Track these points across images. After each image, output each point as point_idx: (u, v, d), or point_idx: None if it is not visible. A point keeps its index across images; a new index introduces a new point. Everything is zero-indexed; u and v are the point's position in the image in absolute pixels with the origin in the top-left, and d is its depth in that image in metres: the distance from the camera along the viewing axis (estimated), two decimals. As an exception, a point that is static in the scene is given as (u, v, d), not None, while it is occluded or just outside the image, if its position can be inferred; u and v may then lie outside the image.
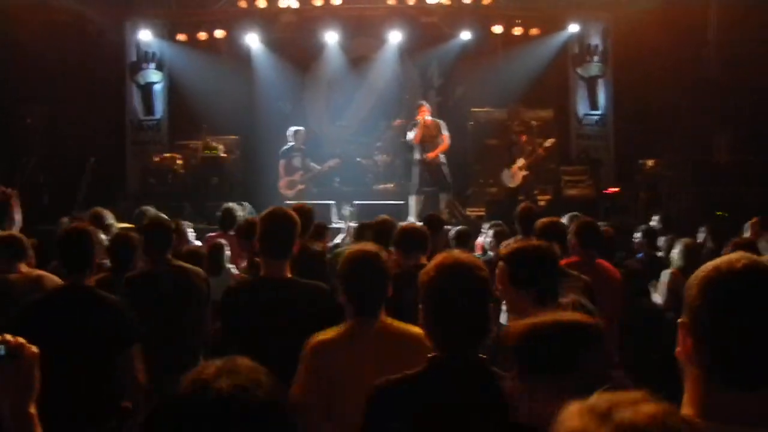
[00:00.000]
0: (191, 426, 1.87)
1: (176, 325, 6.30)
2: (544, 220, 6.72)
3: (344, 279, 4.32)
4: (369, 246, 4.58)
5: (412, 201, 15.61)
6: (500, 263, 4.34)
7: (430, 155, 15.52)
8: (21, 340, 2.49)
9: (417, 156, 15.62)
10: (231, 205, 11.29)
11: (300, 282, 5.22)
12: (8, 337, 2.47)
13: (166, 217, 10.82)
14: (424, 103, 16.34)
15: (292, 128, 16.76)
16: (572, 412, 1.65)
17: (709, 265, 2.25)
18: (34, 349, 2.50)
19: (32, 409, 2.47)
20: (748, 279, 2.17)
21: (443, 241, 8.92)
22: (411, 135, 15.73)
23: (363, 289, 4.25)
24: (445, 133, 15.72)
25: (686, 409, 2.20)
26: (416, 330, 4.05)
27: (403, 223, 8.13)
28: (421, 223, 8.12)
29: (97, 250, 5.67)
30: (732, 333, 2.15)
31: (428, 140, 15.48)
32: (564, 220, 9.38)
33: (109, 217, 8.92)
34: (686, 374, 2.26)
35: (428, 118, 15.56)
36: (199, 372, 1.93)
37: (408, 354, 3.91)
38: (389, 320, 4.34)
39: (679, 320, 2.27)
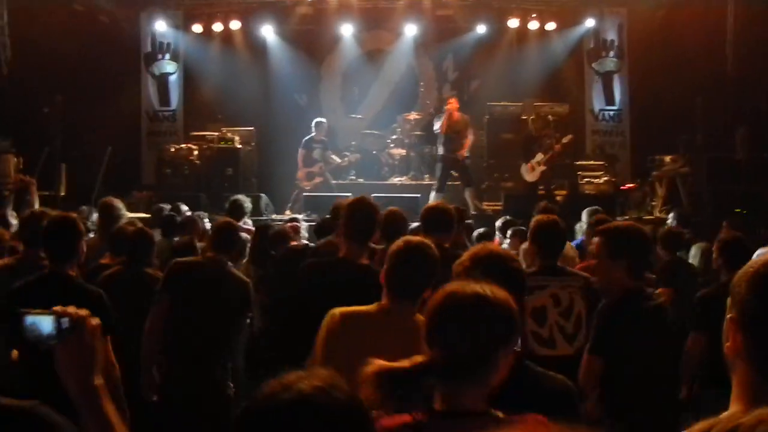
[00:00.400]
0: (274, 427, 1.89)
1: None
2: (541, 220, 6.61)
3: (394, 261, 4.29)
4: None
5: (433, 197, 15.59)
6: (596, 238, 5.21)
7: (461, 153, 15.50)
8: (83, 312, 2.49)
9: (441, 151, 15.59)
10: (239, 196, 11.34)
11: (374, 270, 5.22)
12: (70, 309, 2.47)
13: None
14: (453, 95, 16.36)
15: (316, 119, 16.76)
16: None
17: (759, 260, 2.26)
18: (96, 321, 2.50)
19: (98, 381, 2.47)
20: None
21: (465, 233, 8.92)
22: (438, 125, 15.70)
23: (409, 272, 4.17)
24: (470, 130, 15.73)
25: (736, 405, 2.21)
26: None
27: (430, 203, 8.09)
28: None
29: (82, 239, 5.71)
30: None
31: (454, 135, 15.44)
32: (583, 215, 9.41)
33: (120, 207, 8.91)
34: (735, 370, 2.27)
35: (457, 114, 15.52)
36: (281, 377, 1.94)
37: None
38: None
39: (728, 316, 2.28)
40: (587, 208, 9.63)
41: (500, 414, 2.81)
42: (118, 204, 8.94)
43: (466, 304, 2.83)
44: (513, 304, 2.93)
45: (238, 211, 10.63)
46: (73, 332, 2.44)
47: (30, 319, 2.43)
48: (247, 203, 11.18)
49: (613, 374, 4.79)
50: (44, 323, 2.44)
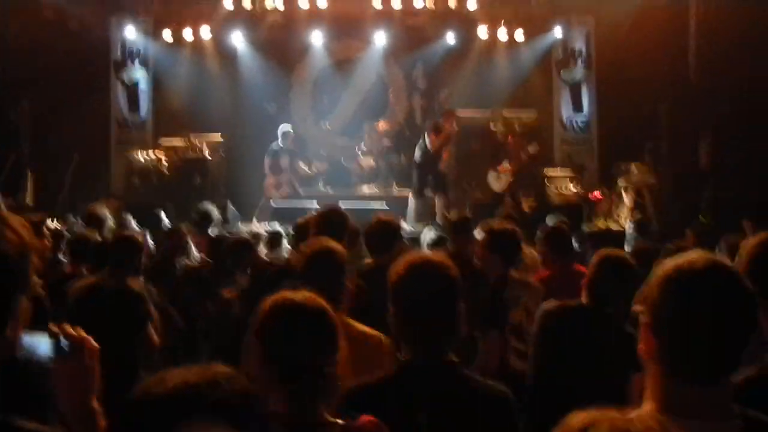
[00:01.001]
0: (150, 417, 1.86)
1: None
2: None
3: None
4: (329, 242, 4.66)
5: (412, 204, 15.60)
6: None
7: (443, 165, 15.53)
8: (83, 333, 2.50)
9: (417, 158, 15.59)
10: (206, 205, 11.29)
11: None
12: (70, 329, 2.47)
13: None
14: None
15: (282, 127, 16.73)
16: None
17: (669, 263, 2.30)
18: (95, 343, 2.51)
19: (95, 404, 2.47)
20: (708, 277, 2.23)
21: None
22: (430, 140, 15.62)
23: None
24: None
25: (648, 405, 2.25)
26: (375, 332, 4.11)
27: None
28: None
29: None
30: (691, 330, 2.21)
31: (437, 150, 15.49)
32: (548, 222, 9.46)
33: (107, 215, 8.93)
34: (648, 371, 2.32)
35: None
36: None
37: (368, 356, 3.96)
38: (349, 320, 4.35)
39: (641, 319, 2.33)
40: (549, 216, 9.68)
41: (340, 422, 2.86)
42: (104, 211, 8.96)
43: (287, 315, 2.91)
44: (331, 315, 3.04)
45: (204, 219, 10.60)
46: (73, 354, 2.44)
47: (28, 338, 2.42)
48: (215, 212, 11.14)
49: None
50: (42, 344, 2.43)
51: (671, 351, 2.23)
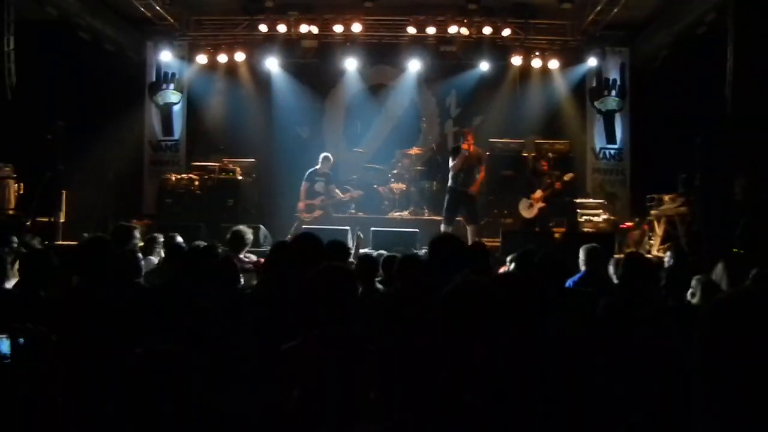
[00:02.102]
0: None
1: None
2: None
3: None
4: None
5: (442, 230, 15.54)
6: None
7: (474, 189, 15.45)
8: (41, 330, 2.49)
9: (450, 183, 15.55)
10: (240, 227, 11.27)
11: None
12: (29, 327, 2.47)
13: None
14: (469, 130, 16.31)
15: (323, 154, 16.78)
16: None
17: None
18: (53, 339, 2.50)
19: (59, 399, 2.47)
20: None
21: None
22: (452, 162, 15.61)
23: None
24: (483, 165, 15.69)
25: None
26: None
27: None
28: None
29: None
30: None
31: (466, 169, 15.38)
32: (581, 253, 9.38)
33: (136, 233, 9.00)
34: None
35: (472, 146, 15.45)
36: None
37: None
38: None
39: None
40: (584, 245, 9.59)
41: None
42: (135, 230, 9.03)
43: None
44: None
45: (238, 242, 10.59)
46: (32, 351, 2.43)
47: None
48: (248, 234, 11.13)
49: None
50: (2, 343, 2.42)
51: None
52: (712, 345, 2.11)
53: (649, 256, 14.67)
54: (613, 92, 19.40)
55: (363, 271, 7.61)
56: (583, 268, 9.12)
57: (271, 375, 4.21)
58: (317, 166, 16.60)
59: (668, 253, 11.14)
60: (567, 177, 15.66)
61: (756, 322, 2.06)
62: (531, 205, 15.83)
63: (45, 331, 2.54)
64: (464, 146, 15.40)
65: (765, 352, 2.02)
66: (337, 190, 16.88)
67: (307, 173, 16.62)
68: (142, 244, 10.48)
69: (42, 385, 2.48)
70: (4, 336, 2.48)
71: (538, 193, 15.71)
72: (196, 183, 17.35)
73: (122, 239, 8.80)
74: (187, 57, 19.58)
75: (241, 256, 10.38)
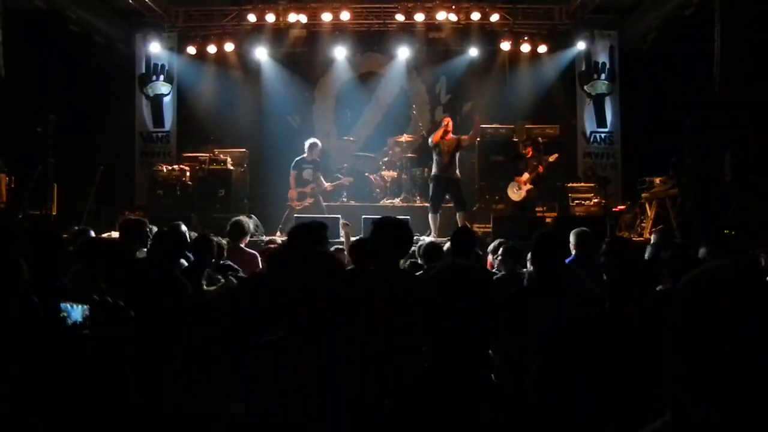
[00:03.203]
0: None
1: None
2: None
3: None
4: None
5: (431, 219, 15.55)
6: None
7: (468, 139, 15.44)
8: (118, 303, 2.56)
9: (434, 171, 15.56)
10: (241, 218, 11.28)
11: None
12: (107, 300, 2.53)
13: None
14: (448, 117, 16.36)
15: (309, 140, 16.73)
16: None
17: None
18: (130, 312, 2.57)
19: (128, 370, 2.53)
20: None
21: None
22: (431, 137, 15.63)
23: None
24: (465, 136, 15.62)
25: None
26: None
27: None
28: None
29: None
30: None
31: (447, 153, 15.35)
32: (571, 237, 9.41)
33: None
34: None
35: (451, 135, 15.43)
36: None
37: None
38: None
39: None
40: (574, 230, 9.61)
41: None
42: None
43: None
44: None
45: (239, 231, 10.60)
46: (105, 323, 2.49)
47: (64, 305, 2.48)
48: (249, 224, 11.17)
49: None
50: (76, 312, 2.49)
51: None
52: (689, 312, 2.17)
53: (640, 238, 14.76)
54: (603, 76, 19.42)
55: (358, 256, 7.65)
56: (573, 251, 9.16)
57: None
58: (304, 154, 16.58)
59: (654, 235, 11.20)
60: (552, 158, 15.71)
61: (730, 293, 2.13)
62: (519, 188, 15.88)
63: (123, 306, 2.62)
64: (444, 122, 15.43)
65: (736, 321, 2.09)
66: (322, 179, 16.81)
67: (294, 161, 16.60)
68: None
69: (114, 355, 2.56)
70: (81, 305, 2.56)
71: (525, 176, 15.76)
72: (187, 174, 17.34)
73: (133, 234, 8.79)
74: (177, 48, 19.56)
75: (242, 245, 10.40)
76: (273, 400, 3.36)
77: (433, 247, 9.05)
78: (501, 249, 9.25)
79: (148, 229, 9.14)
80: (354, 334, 3.78)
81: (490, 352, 5.46)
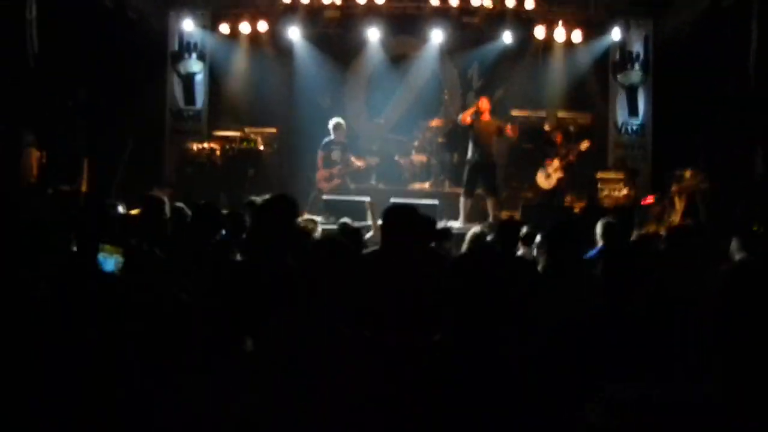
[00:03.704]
0: None
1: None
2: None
3: None
4: None
5: (462, 203, 15.55)
6: None
7: (510, 132, 15.46)
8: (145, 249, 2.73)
9: (469, 156, 15.55)
10: (255, 198, 11.30)
11: None
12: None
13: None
14: (486, 96, 16.34)
15: (333, 120, 16.75)
16: None
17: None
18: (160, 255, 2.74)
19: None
20: None
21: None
22: (461, 116, 15.61)
23: None
24: (509, 125, 15.65)
25: None
26: None
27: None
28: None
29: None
30: None
31: (484, 137, 15.33)
32: (597, 227, 9.36)
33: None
34: None
35: (488, 116, 15.42)
36: None
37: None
38: None
39: None
40: (600, 221, 9.56)
41: None
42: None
43: None
44: None
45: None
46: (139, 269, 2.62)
47: (100, 255, 2.62)
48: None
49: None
50: (109, 262, 2.62)
51: None
52: (728, 302, 2.25)
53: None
54: (636, 66, 19.24)
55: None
56: (600, 242, 9.11)
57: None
58: (331, 136, 16.60)
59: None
60: (582, 146, 15.65)
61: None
62: (549, 176, 15.84)
63: (155, 252, 2.77)
64: (478, 103, 15.42)
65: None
66: (353, 158, 16.83)
67: (323, 142, 16.63)
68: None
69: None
70: (114, 255, 2.71)
71: (555, 164, 15.71)
72: (217, 153, 17.41)
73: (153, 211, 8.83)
74: (210, 26, 19.56)
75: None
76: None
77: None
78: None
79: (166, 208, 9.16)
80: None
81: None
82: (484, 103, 15.49)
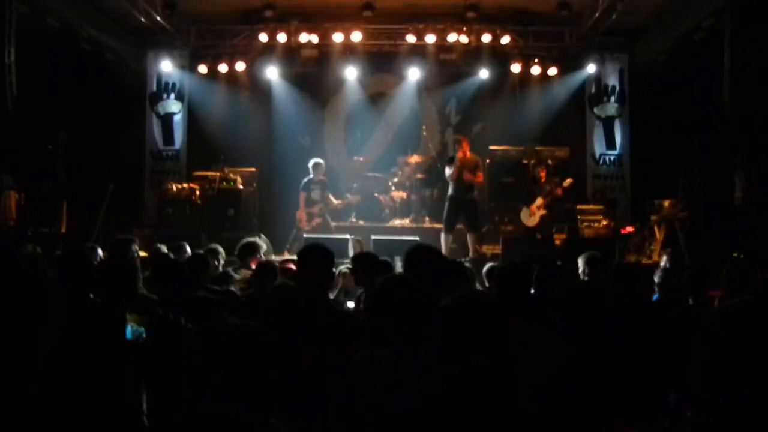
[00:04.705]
0: None
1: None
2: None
3: None
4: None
5: (443, 239, 15.56)
6: None
7: (475, 179, 15.55)
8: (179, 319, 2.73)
9: (450, 192, 15.60)
10: (253, 239, 11.33)
11: None
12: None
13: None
14: (464, 138, 16.40)
15: (312, 160, 16.82)
16: None
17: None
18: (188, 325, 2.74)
19: None
20: None
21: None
22: (449, 171, 15.69)
23: None
24: (480, 172, 15.79)
25: None
26: None
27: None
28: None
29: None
30: None
31: (466, 175, 15.40)
32: (580, 260, 9.36)
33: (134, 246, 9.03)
34: None
35: (468, 154, 15.49)
36: None
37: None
38: None
39: None
40: (583, 254, 9.56)
41: None
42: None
43: None
44: None
45: (247, 252, 10.63)
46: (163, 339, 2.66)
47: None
48: (260, 244, 11.22)
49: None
50: (127, 329, 2.66)
51: None
52: (715, 347, 2.21)
53: (649, 261, 14.73)
54: (613, 98, 19.45)
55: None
56: (582, 276, 9.09)
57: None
58: (311, 175, 16.64)
59: (664, 257, 11.18)
60: (566, 183, 15.73)
61: (758, 329, 2.18)
62: (533, 213, 15.89)
63: (180, 322, 2.77)
64: (459, 154, 15.49)
65: (764, 356, 2.14)
66: (331, 197, 16.86)
67: (303, 182, 16.67)
68: (144, 254, 10.52)
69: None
70: (131, 324, 2.73)
71: (539, 201, 15.77)
72: (197, 193, 17.39)
73: (120, 252, 8.83)
74: (188, 67, 19.63)
75: (252, 266, 10.39)
76: None
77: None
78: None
79: (135, 248, 9.14)
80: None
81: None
82: (465, 148, 15.54)
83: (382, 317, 3.93)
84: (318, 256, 5.86)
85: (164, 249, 11.02)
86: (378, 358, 3.76)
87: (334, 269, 6.63)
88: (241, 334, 3.06)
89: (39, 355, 2.57)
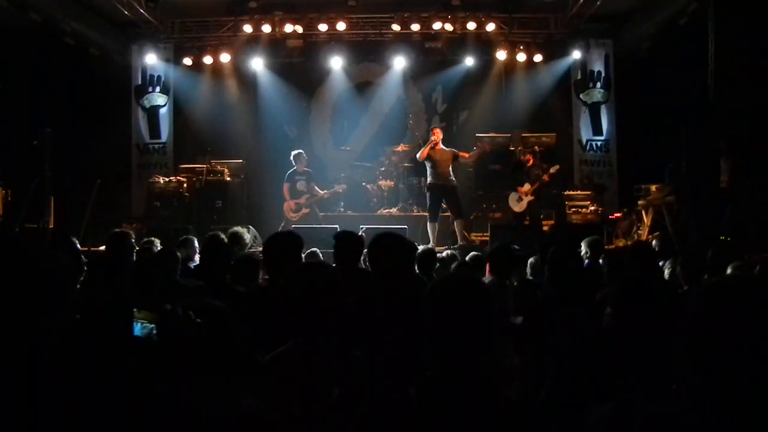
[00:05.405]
0: None
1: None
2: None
3: None
4: None
5: (429, 228, 15.52)
6: None
7: (467, 156, 15.59)
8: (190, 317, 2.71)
9: (429, 180, 15.56)
10: (237, 228, 11.31)
11: None
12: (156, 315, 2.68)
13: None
14: (437, 127, 16.44)
15: (294, 152, 16.78)
16: None
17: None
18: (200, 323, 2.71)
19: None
20: None
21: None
22: (419, 153, 15.69)
23: None
24: (463, 152, 15.74)
25: None
26: None
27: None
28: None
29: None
30: None
31: (441, 163, 15.33)
32: (583, 244, 9.46)
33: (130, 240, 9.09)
34: None
35: (441, 145, 15.43)
36: None
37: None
38: None
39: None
40: (586, 238, 9.65)
41: None
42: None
43: None
44: None
45: (236, 243, 10.63)
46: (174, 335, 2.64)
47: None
48: (246, 235, 11.19)
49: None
50: (136, 327, 2.63)
51: None
52: (705, 323, 2.23)
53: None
54: (598, 84, 19.46)
55: None
56: (586, 261, 9.15)
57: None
58: (294, 166, 16.60)
59: (654, 242, 11.23)
60: (553, 169, 15.72)
61: (748, 305, 2.20)
62: (520, 199, 15.89)
63: (193, 320, 2.75)
64: (432, 137, 15.43)
65: (755, 332, 2.15)
66: (316, 188, 16.82)
67: (287, 174, 16.63)
68: (138, 248, 10.52)
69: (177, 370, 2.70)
70: (139, 322, 2.70)
71: (527, 187, 15.77)
72: (185, 185, 17.35)
73: (116, 245, 8.84)
74: (173, 59, 19.58)
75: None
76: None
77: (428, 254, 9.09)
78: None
79: (132, 241, 9.17)
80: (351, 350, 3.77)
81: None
82: (437, 135, 15.48)
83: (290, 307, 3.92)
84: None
85: (157, 243, 11.02)
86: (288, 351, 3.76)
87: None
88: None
89: (46, 344, 2.57)
